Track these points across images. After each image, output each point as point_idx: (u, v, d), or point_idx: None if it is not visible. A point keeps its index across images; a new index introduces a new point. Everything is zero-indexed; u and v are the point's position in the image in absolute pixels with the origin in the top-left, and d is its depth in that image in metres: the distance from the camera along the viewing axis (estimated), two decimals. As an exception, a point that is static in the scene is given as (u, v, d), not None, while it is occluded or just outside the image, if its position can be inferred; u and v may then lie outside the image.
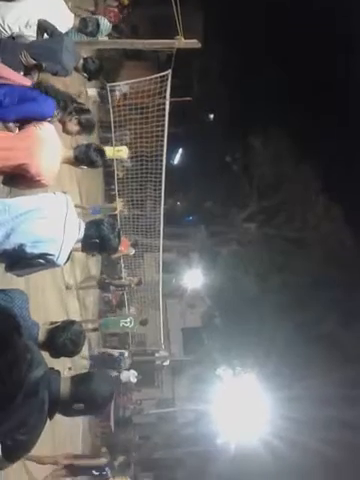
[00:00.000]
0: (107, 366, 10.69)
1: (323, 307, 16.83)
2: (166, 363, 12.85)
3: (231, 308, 18.31)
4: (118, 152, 11.72)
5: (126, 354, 11.50)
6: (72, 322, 2.74)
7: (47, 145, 3.16)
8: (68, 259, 3.08)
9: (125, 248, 10.08)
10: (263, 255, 19.13)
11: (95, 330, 10.73)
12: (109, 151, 11.98)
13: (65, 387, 2.03)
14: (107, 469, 7.46)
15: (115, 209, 11.23)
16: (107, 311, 13.38)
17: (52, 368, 2.04)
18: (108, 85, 9.70)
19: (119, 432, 13.34)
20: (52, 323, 2.67)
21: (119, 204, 11.24)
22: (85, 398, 2.04)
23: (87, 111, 3.45)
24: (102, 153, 3.44)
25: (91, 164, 3.39)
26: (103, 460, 7.71)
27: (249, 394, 14.06)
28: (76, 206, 3.19)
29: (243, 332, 17.05)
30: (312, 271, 18.14)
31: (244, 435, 13.80)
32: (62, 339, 2.58)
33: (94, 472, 7.32)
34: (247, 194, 20.31)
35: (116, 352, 10.82)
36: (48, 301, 6.28)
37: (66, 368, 8.19)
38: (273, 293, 18.04)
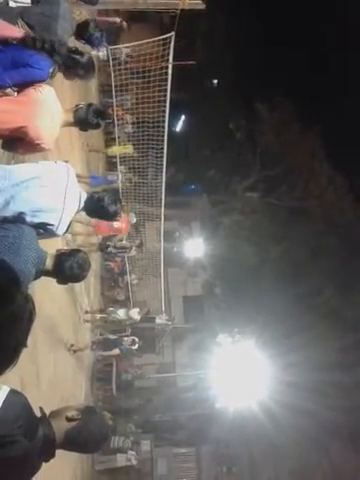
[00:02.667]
0: (107, 347, 10.87)
1: (322, 277, 16.96)
2: (167, 329, 13.07)
3: (232, 277, 18.45)
4: (124, 149, 11.58)
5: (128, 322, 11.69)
6: (78, 250, 2.84)
7: (46, 108, 3.08)
8: (67, 230, 3.08)
9: (126, 228, 10.05)
10: (264, 225, 19.10)
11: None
12: (116, 149, 11.84)
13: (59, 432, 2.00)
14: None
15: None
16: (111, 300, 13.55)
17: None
18: (109, 48, 9.41)
19: (121, 396, 13.72)
20: (58, 251, 2.77)
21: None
22: (76, 444, 2.02)
23: (80, 53, 3.33)
24: (102, 114, 3.36)
25: (91, 126, 3.32)
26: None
27: (248, 360, 14.33)
28: (76, 176, 3.14)
29: (243, 301, 17.25)
30: (312, 241, 18.16)
31: (242, 399, 14.17)
32: (69, 263, 2.70)
33: None
34: (250, 163, 20.07)
35: (115, 335, 11.03)
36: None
37: (68, 344, 8.34)
38: (273, 263, 18.13)
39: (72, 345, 8.43)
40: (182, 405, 16.94)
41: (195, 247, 18.69)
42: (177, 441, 17.10)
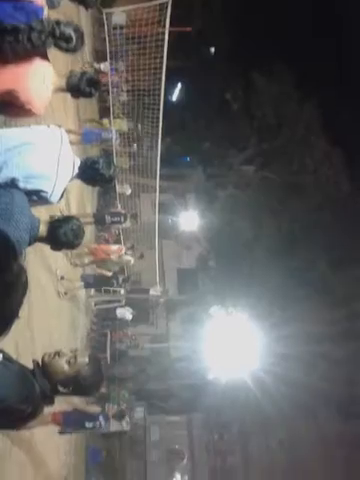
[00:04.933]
0: (100, 285, 10.76)
1: (315, 252, 17.06)
2: (161, 301, 13.17)
3: (226, 251, 18.52)
4: (119, 124, 11.30)
5: (122, 292, 11.75)
6: (72, 216, 2.80)
7: (37, 71, 2.97)
8: (62, 197, 3.03)
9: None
10: (259, 199, 19.04)
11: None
12: (108, 122, 11.56)
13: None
14: (101, 418, 7.13)
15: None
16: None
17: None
18: (104, 11, 9.08)
19: (115, 364, 13.94)
20: (51, 217, 2.72)
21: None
22: (73, 384, 2.15)
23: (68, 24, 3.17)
24: (96, 84, 3.27)
25: (84, 95, 3.23)
26: (97, 409, 7.48)
27: (240, 332, 14.54)
28: (68, 131, 3.06)
29: (237, 274, 17.37)
30: (307, 216, 18.19)
31: (234, 370, 14.44)
32: (63, 230, 2.66)
33: (87, 424, 6.98)
34: (246, 135, 19.83)
35: (109, 272, 10.90)
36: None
37: (59, 279, 8.34)
38: (267, 237, 18.18)
39: (62, 277, 8.37)
40: (175, 375, 17.26)
41: (190, 220, 18.65)
42: (169, 409, 17.51)
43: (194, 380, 16.71)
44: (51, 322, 7.70)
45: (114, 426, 12.72)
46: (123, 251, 9.74)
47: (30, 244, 2.61)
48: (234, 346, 14.32)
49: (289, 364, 14.14)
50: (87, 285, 10.10)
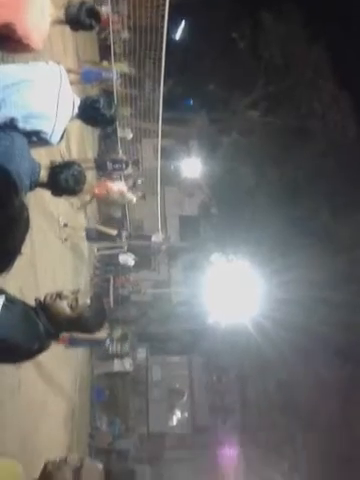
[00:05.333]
0: (102, 240, 10.85)
1: (318, 200, 16.92)
2: (163, 247, 13.26)
3: (228, 198, 18.38)
4: (120, 66, 10.76)
5: (124, 233, 11.80)
6: (73, 162, 2.75)
7: (35, 1, 2.79)
8: (62, 138, 2.95)
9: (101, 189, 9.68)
10: (264, 146, 18.64)
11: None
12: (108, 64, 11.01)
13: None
14: (108, 341, 7.71)
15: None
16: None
17: None
18: None
19: (118, 308, 14.30)
20: (52, 162, 2.66)
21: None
22: (75, 325, 2.19)
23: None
24: (96, 15, 3.09)
25: (84, 27, 3.06)
26: (103, 335, 7.95)
27: (241, 278, 14.75)
28: (67, 70, 2.93)
29: (238, 222, 17.34)
30: (311, 163, 17.87)
31: (235, 315, 14.80)
32: (64, 175, 2.60)
33: (94, 345, 7.51)
34: (252, 77, 19.07)
35: (114, 231, 10.94)
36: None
37: (61, 226, 8.38)
38: (270, 184, 17.97)
39: (65, 225, 8.44)
40: (176, 319, 17.70)
41: (192, 166, 18.38)
42: (171, 351, 18.12)
43: (195, 325, 17.16)
44: (54, 267, 7.78)
45: (117, 366, 13.23)
46: (125, 189, 9.65)
47: (31, 189, 2.56)
48: (234, 292, 14.57)
49: (289, 309, 14.43)
50: (89, 238, 10.15)
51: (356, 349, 15.07)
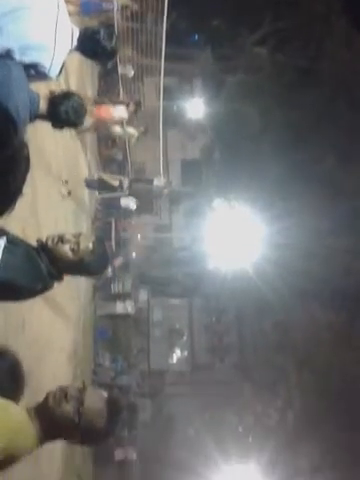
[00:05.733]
0: (104, 189, 10.80)
1: (324, 145, 16.54)
2: (165, 192, 13.14)
3: (232, 142, 17.98)
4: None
5: (126, 182, 11.66)
6: (73, 92, 2.66)
7: None
8: (61, 72, 2.84)
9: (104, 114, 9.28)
10: (270, 86, 17.94)
11: None
12: None
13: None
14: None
15: None
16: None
17: None
18: None
19: (120, 251, 14.47)
20: (51, 92, 2.57)
21: None
22: (77, 269, 2.19)
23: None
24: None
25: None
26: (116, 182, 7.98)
27: (242, 224, 14.78)
28: (65, 1, 2.75)
29: (242, 167, 17.08)
30: (319, 106, 17.28)
31: (235, 260, 14.97)
32: (64, 107, 2.51)
33: None
34: (261, 11, 17.97)
35: (116, 182, 10.85)
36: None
37: (63, 182, 8.32)
38: (275, 129, 17.49)
39: (66, 182, 8.43)
40: (177, 263, 17.94)
41: (196, 107, 17.81)
42: (172, 294, 18.54)
43: (195, 269, 17.42)
44: (56, 210, 7.76)
45: (120, 309, 13.58)
46: (126, 114, 9.39)
47: (30, 121, 2.47)
48: (235, 237, 14.66)
49: (289, 253, 14.56)
50: (90, 187, 10.04)
51: (353, 294, 15.37)
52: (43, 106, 2.50)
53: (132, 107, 9.86)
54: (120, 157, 14.58)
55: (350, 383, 14.15)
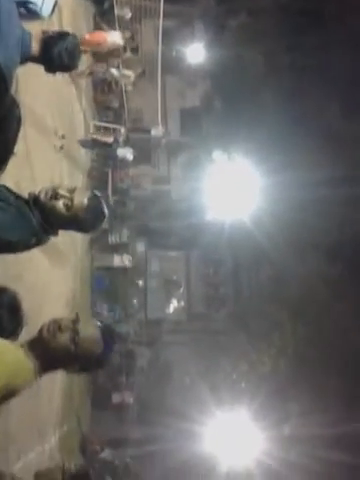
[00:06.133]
0: (98, 147, 10.60)
1: (328, 95, 16.02)
2: (163, 142, 12.84)
3: (233, 90, 17.37)
4: None
5: (122, 130, 11.38)
6: (67, 33, 2.48)
7: None
8: (53, 11, 2.66)
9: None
10: (274, 30, 17.11)
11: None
12: None
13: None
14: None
15: None
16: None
17: None
18: None
19: (117, 205, 14.35)
20: (44, 32, 2.39)
21: None
22: (71, 226, 2.15)
23: None
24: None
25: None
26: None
27: (241, 176, 14.62)
28: None
29: (242, 117, 16.63)
30: (324, 53, 16.56)
31: (232, 212, 14.92)
32: (58, 49, 2.35)
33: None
34: None
35: (110, 139, 10.59)
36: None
37: (58, 137, 8.11)
38: (278, 75, 16.87)
39: (63, 136, 8.24)
40: (175, 215, 17.88)
41: (196, 52, 17.06)
42: (169, 245, 18.62)
43: (193, 220, 17.39)
44: (51, 161, 7.59)
45: (117, 262, 13.66)
46: (121, 41, 9.04)
47: (21, 63, 2.31)
48: (234, 189, 14.54)
49: (286, 205, 14.52)
50: (85, 147, 9.80)
51: (349, 246, 15.47)
52: (35, 47, 2.30)
53: (128, 35, 9.48)
54: (116, 104, 14.10)
55: (342, 333, 14.55)
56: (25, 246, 2.03)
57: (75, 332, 1.71)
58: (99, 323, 1.84)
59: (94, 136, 10.77)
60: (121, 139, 10.97)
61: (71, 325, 1.73)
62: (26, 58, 2.32)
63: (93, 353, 1.76)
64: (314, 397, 14.16)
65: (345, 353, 14.23)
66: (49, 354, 1.72)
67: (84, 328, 1.75)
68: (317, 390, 14.09)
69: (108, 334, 1.83)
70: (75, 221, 2.08)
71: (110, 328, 1.92)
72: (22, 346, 1.75)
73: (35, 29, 2.44)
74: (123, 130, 11.67)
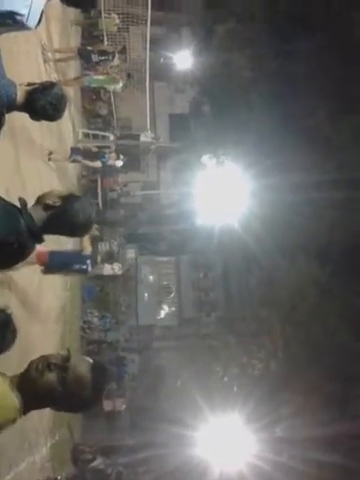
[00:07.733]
0: (89, 157, 10.59)
1: (315, 99, 16.20)
2: (152, 147, 12.87)
3: (221, 95, 17.50)
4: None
5: (111, 137, 11.40)
6: (52, 84, 2.50)
7: None
8: (40, 22, 2.68)
9: None
10: (262, 36, 17.26)
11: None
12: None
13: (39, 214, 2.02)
14: (89, 262, 6.34)
15: None
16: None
17: None
18: None
19: (106, 210, 14.33)
20: (30, 84, 2.42)
21: None
22: (59, 227, 2.08)
23: None
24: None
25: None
26: (89, 248, 6.45)
27: (230, 180, 14.69)
28: None
29: (231, 122, 16.74)
30: (312, 58, 16.74)
31: (222, 216, 14.97)
32: (42, 102, 2.39)
33: (74, 266, 6.29)
34: None
35: (98, 163, 10.60)
36: (22, 69, 5.77)
37: (46, 153, 8.13)
38: (266, 80, 17.01)
39: (51, 153, 8.26)
40: (165, 220, 17.90)
41: (184, 59, 17.15)
42: (159, 251, 18.62)
43: (183, 225, 17.42)
44: (40, 168, 7.59)
45: (107, 271, 13.60)
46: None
47: (7, 112, 2.34)
48: (223, 194, 14.60)
49: (276, 209, 14.62)
50: (74, 154, 9.80)
51: (338, 248, 15.60)
52: (20, 99, 2.35)
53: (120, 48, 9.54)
54: (105, 111, 14.14)
55: (332, 335, 14.65)
56: (7, 249, 1.97)
57: (64, 371, 1.63)
58: (91, 361, 1.74)
59: (82, 144, 10.78)
60: (108, 152, 10.93)
61: (61, 363, 1.64)
62: (11, 108, 2.37)
63: (81, 395, 1.66)
64: (305, 399, 14.23)
65: (335, 355, 14.34)
66: (36, 393, 1.64)
67: (74, 367, 1.66)
68: (308, 392, 14.16)
69: (100, 372, 1.72)
70: (63, 219, 2.06)
71: (103, 367, 1.80)
72: (10, 381, 1.66)
73: (21, 80, 2.48)
74: (112, 137, 11.68)
